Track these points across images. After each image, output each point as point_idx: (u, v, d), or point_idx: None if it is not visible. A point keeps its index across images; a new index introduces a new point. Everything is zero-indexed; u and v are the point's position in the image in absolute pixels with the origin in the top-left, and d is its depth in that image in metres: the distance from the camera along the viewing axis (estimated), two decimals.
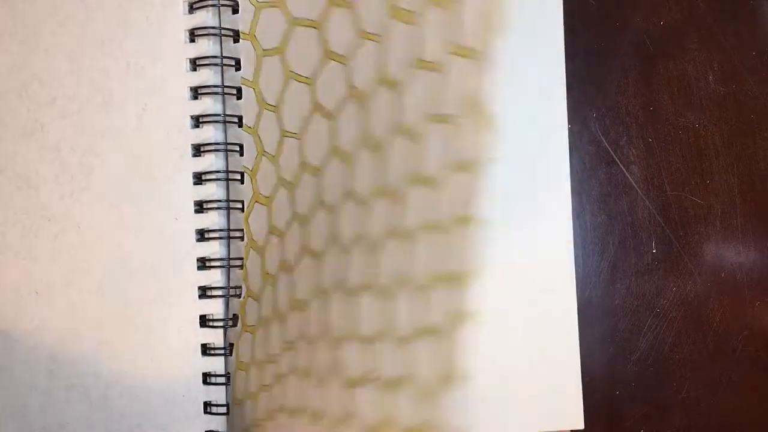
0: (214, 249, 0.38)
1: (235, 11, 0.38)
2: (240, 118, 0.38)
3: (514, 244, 0.40)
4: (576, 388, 0.40)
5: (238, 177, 0.38)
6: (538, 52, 0.40)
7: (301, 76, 0.37)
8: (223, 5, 0.38)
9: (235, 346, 0.38)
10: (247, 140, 0.38)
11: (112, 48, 0.37)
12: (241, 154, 0.38)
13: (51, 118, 0.37)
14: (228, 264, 0.38)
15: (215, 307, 0.38)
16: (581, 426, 0.40)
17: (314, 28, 0.37)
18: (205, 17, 0.38)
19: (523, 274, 0.40)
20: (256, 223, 0.38)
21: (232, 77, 0.38)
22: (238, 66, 0.38)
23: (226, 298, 0.38)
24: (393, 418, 0.36)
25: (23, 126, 0.37)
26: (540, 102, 0.40)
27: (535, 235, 0.40)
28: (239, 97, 0.38)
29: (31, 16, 0.37)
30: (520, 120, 0.40)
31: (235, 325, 0.38)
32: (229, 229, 0.38)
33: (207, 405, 0.37)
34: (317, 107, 0.37)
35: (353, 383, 0.36)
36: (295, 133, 0.38)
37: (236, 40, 0.38)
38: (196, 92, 0.38)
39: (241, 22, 0.38)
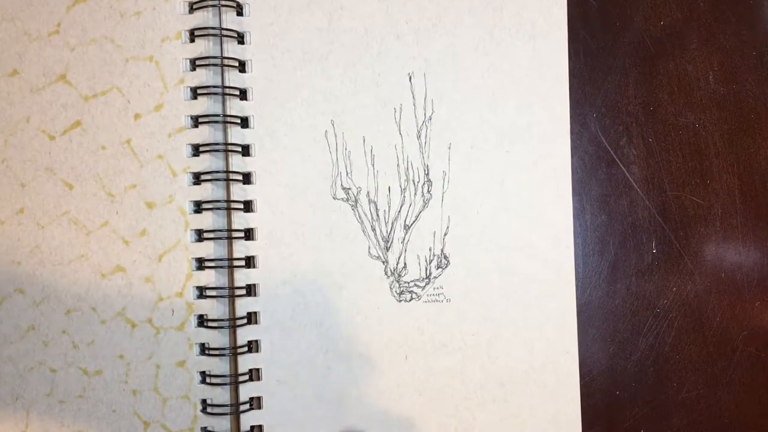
0: (210, 250, 0.38)
1: (240, 13, 0.38)
2: (243, 119, 0.38)
3: (515, 248, 0.40)
4: (574, 395, 0.40)
5: (240, 177, 0.38)
6: (542, 54, 0.41)
7: None
8: (224, 6, 0.38)
9: None
10: (254, 140, 0.38)
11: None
12: (244, 155, 0.38)
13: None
14: (229, 264, 0.38)
15: (213, 308, 0.38)
16: None
17: None
18: (205, 17, 0.38)
19: (523, 280, 0.40)
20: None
21: (237, 78, 0.38)
22: (242, 68, 0.38)
23: (228, 298, 0.38)
24: None
25: None
26: (542, 104, 0.41)
27: (536, 240, 0.40)
28: (243, 98, 0.38)
29: None
30: (522, 122, 0.40)
31: (253, 323, 0.38)
32: (230, 230, 0.38)
33: (204, 404, 0.38)
34: None
35: None
36: None
37: (241, 42, 0.38)
38: (195, 92, 0.38)
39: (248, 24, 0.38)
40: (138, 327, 0.37)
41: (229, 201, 0.38)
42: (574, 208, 0.41)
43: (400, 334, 0.39)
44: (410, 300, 0.39)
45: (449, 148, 0.40)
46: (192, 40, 0.38)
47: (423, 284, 0.40)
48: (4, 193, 0.37)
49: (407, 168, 0.40)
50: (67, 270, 0.37)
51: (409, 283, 0.39)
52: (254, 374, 0.38)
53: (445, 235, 0.40)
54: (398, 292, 0.39)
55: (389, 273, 0.39)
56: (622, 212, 0.42)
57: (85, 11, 0.37)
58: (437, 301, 0.40)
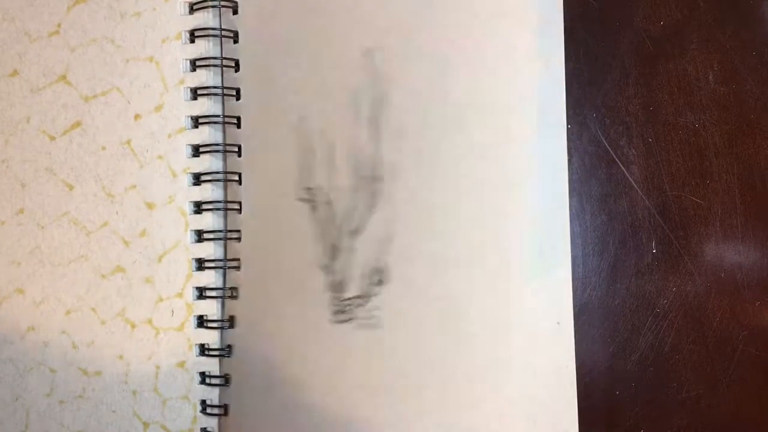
0: (210, 251, 0.38)
1: (235, 12, 0.38)
2: (238, 118, 0.38)
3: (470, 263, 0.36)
4: (571, 404, 0.38)
5: (236, 178, 0.38)
6: (538, 52, 0.40)
7: None
8: (224, 6, 0.38)
9: None
10: (244, 141, 0.38)
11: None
12: (240, 155, 0.38)
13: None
14: (224, 265, 0.38)
15: (212, 308, 0.38)
16: None
17: None
18: (205, 18, 0.38)
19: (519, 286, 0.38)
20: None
21: (231, 79, 0.38)
22: (237, 67, 0.38)
23: (222, 299, 0.38)
24: None
25: None
26: (540, 102, 0.40)
27: (531, 244, 0.39)
28: (238, 98, 0.38)
29: None
30: (519, 120, 0.40)
31: (232, 326, 0.38)
32: (225, 230, 0.38)
33: (204, 404, 0.37)
34: None
35: None
36: None
37: (236, 41, 0.38)
38: (195, 93, 0.38)
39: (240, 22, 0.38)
40: (138, 327, 0.37)
41: (225, 202, 0.38)
42: (574, 208, 0.41)
43: (324, 363, 0.34)
44: (344, 321, 0.34)
45: (410, 141, 0.35)
46: (192, 41, 0.38)
47: (362, 302, 0.34)
48: (4, 193, 0.37)
49: (358, 163, 0.35)
50: (67, 270, 0.37)
51: (347, 300, 0.35)
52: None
53: (391, 244, 0.35)
54: (334, 311, 0.34)
55: (329, 287, 0.35)
56: (622, 212, 0.42)
57: (86, 11, 0.38)
58: (368, 326, 0.34)
